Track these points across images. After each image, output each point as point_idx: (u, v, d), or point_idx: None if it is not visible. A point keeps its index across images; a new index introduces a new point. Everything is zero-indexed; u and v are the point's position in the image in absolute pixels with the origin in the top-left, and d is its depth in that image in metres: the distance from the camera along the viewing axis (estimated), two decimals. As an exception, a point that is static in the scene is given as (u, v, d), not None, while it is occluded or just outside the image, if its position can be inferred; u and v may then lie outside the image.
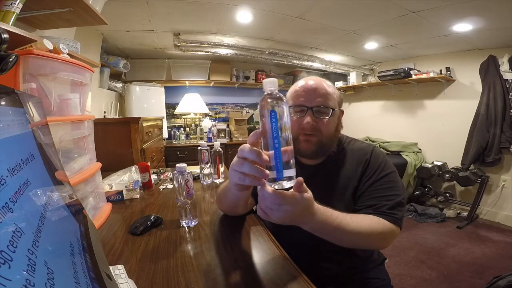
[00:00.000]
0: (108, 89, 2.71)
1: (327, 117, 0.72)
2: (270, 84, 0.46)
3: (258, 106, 0.47)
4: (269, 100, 0.45)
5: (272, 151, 0.45)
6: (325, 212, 0.56)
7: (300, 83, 0.76)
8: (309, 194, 0.50)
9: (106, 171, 1.23)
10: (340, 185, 0.75)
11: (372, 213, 0.67)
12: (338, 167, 0.78)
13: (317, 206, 0.54)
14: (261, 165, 0.46)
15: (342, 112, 0.80)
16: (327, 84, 0.75)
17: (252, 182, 0.48)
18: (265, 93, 0.46)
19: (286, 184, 0.46)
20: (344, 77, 3.92)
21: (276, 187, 0.47)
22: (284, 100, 0.46)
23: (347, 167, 0.77)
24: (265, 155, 0.45)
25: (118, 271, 0.54)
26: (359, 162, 0.76)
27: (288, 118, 0.46)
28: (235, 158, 0.50)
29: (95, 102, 2.30)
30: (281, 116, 0.45)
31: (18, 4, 0.82)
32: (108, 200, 1.01)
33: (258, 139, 0.47)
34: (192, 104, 3.34)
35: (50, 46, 0.82)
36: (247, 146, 0.47)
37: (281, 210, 0.47)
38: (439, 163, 2.81)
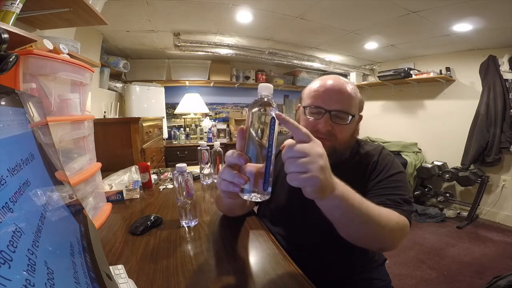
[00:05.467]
0: (108, 89, 2.71)
1: (345, 123, 0.67)
2: (267, 90, 0.44)
3: (255, 109, 0.43)
4: (271, 107, 0.42)
5: (262, 164, 0.42)
6: (346, 186, 0.49)
7: (321, 82, 0.70)
8: None
9: (106, 171, 1.23)
10: None
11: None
12: (348, 171, 0.74)
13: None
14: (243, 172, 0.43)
15: (360, 117, 0.75)
16: (350, 88, 0.69)
17: (233, 189, 0.43)
18: (264, 98, 0.43)
19: (262, 198, 0.43)
20: (344, 77, 3.88)
21: (251, 197, 0.43)
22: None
23: (357, 170, 0.74)
24: (243, 156, 0.43)
25: (118, 271, 0.54)
26: (368, 164, 0.73)
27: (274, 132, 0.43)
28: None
29: (95, 102, 2.30)
30: (275, 125, 0.42)
31: (18, 4, 0.82)
32: (108, 200, 1.01)
33: (243, 139, 0.44)
34: (192, 104, 3.34)
35: (50, 46, 0.82)
36: (230, 151, 0.45)
37: (320, 158, 0.41)
38: (439, 163, 2.81)
